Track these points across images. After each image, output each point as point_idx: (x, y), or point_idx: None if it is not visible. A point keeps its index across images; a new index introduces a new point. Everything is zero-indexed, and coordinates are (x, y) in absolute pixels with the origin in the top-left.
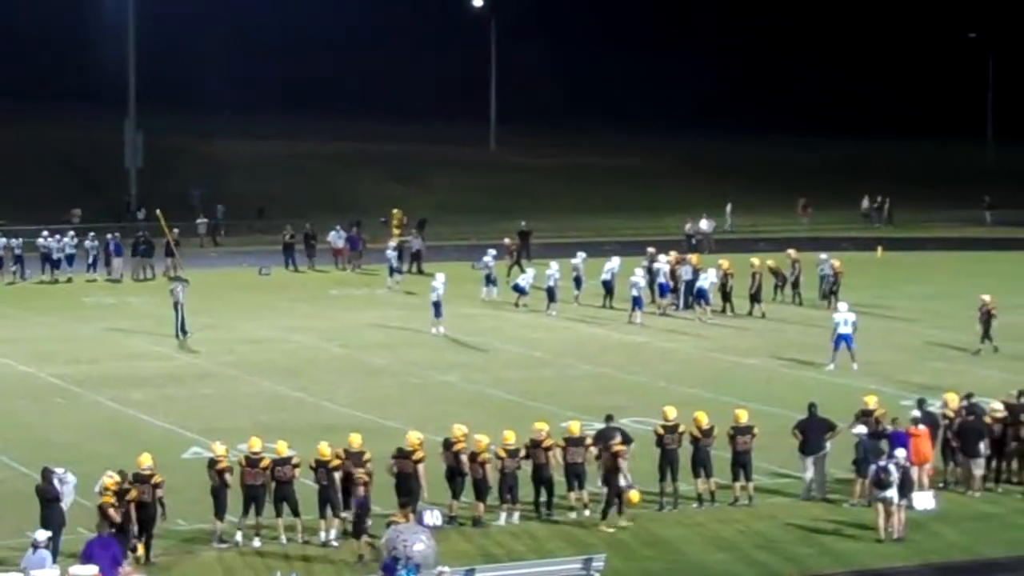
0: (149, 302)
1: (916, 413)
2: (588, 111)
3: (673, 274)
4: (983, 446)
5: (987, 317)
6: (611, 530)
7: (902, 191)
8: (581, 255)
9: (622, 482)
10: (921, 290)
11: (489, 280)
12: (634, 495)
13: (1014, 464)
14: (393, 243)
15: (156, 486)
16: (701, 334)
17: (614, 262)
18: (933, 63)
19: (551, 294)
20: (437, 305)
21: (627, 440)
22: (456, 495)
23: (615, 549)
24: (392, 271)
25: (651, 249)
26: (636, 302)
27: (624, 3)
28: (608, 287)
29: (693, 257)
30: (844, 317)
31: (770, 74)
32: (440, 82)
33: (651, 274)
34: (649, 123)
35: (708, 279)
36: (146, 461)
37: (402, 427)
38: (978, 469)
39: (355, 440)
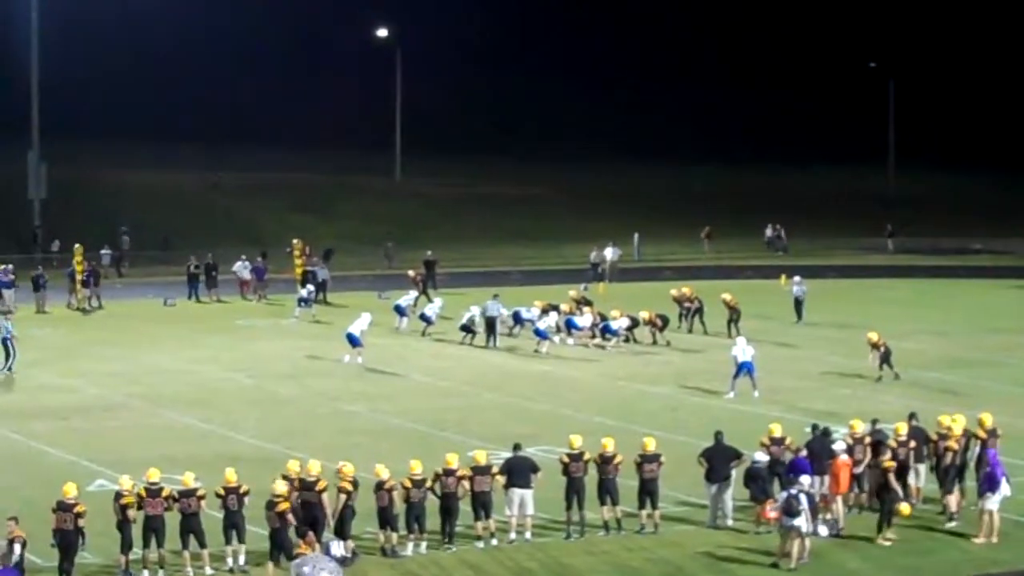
0: (52, 334)
1: (842, 444)
2: (493, 140)
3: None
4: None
5: (885, 353)
6: (887, 543)
7: (804, 219)
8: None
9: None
10: (823, 318)
11: (400, 311)
12: (905, 508)
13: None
14: (307, 282)
15: (78, 515)
16: (606, 362)
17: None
18: (834, 91)
19: (467, 330)
20: (352, 336)
21: (535, 469)
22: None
23: None
24: (302, 302)
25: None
26: (539, 333)
27: (526, 31)
28: (517, 319)
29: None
30: (742, 348)
31: (671, 101)
32: (344, 112)
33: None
34: (553, 152)
35: (618, 323)
36: (71, 491)
37: (308, 457)
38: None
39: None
